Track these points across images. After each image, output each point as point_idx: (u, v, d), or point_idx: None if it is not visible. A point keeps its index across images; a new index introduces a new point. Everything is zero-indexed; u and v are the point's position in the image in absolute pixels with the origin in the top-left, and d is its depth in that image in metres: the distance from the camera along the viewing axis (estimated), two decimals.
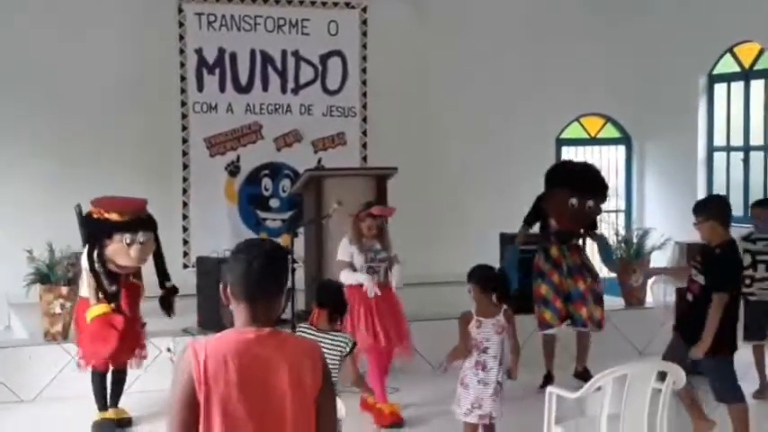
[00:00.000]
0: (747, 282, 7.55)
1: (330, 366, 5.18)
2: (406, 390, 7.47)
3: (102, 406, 6.86)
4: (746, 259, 7.55)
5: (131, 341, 6.86)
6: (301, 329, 5.46)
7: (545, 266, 7.78)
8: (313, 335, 5.33)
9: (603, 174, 8.59)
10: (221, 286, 2.93)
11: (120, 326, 6.64)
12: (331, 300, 5.51)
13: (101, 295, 6.64)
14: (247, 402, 2.76)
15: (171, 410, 2.77)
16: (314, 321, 5.50)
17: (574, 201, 7.59)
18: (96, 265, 6.64)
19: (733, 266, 5.96)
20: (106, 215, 6.66)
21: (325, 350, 5.26)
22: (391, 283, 7.19)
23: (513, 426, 6.10)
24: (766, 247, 7.56)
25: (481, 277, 5.74)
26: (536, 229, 8.15)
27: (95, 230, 6.68)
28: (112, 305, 6.65)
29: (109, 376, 6.93)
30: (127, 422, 6.96)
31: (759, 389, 7.67)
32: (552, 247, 7.75)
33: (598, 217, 8.31)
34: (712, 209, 5.96)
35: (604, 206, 8.41)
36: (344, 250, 7.10)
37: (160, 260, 7.01)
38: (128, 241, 6.62)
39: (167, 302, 7.06)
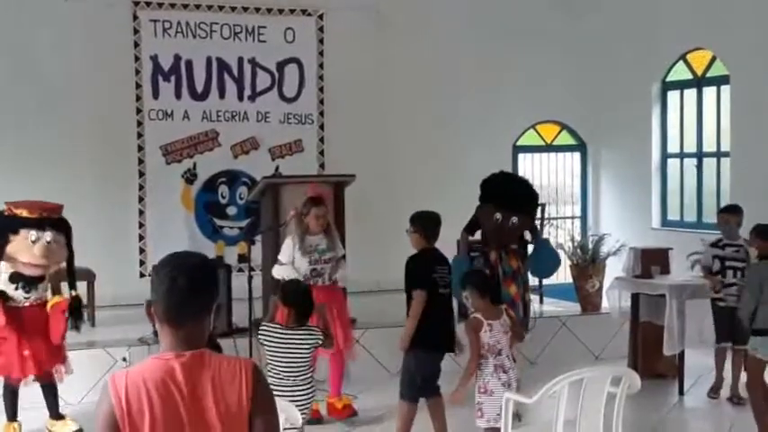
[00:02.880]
0: (718, 287, 7.64)
1: (302, 361, 5.21)
2: (365, 397, 7.46)
3: (11, 417, 6.72)
4: (716, 265, 7.64)
5: (39, 352, 6.59)
6: (266, 329, 5.43)
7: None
8: (280, 333, 5.34)
9: (551, 183, 8.52)
10: (146, 304, 2.70)
11: (26, 345, 6.44)
12: (297, 299, 5.49)
13: None
14: (177, 431, 2.59)
15: None
16: (282, 320, 5.48)
17: (498, 216, 7.60)
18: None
19: (420, 267, 6.26)
20: (15, 211, 6.51)
21: (294, 346, 5.28)
22: (338, 282, 7.18)
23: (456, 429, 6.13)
24: (735, 253, 7.61)
25: (478, 282, 5.89)
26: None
27: (2, 225, 6.48)
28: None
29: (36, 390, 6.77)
30: None
31: (713, 386, 7.78)
32: (492, 252, 7.74)
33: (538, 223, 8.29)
34: (421, 223, 6.37)
35: (561, 213, 8.39)
36: (287, 251, 7.02)
37: (71, 267, 6.75)
38: (33, 238, 6.44)
39: (72, 313, 6.70)
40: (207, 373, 2.64)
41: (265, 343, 5.32)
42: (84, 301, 8.80)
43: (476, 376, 5.72)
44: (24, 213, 6.50)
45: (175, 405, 2.59)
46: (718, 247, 7.68)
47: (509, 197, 7.67)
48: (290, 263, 6.98)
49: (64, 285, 6.85)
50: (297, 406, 5.12)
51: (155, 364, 2.64)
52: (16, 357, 6.50)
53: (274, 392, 5.05)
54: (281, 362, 5.27)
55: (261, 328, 5.50)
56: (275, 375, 5.29)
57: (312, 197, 7.06)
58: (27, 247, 6.45)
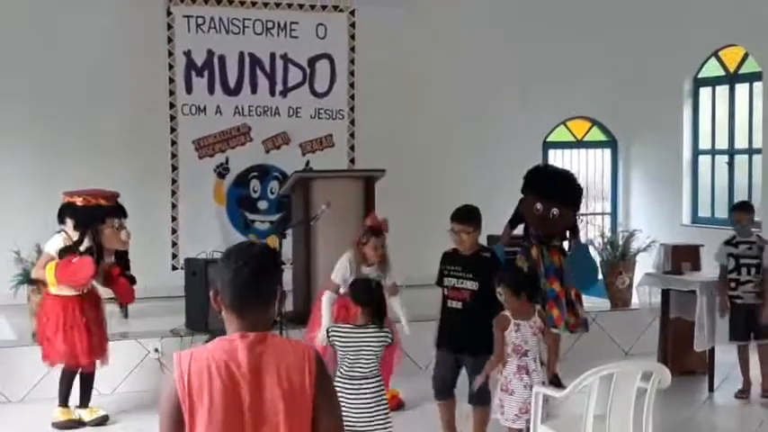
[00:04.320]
0: (732, 285, 7.62)
1: (372, 358, 5.25)
2: (399, 387, 7.49)
3: (65, 402, 6.90)
4: (730, 263, 7.62)
5: (99, 339, 6.89)
6: (336, 329, 5.44)
7: (523, 266, 7.75)
8: (350, 332, 5.34)
9: (582, 179, 8.50)
10: (211, 293, 2.76)
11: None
12: (368, 298, 5.45)
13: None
14: (236, 413, 2.62)
15: (160, 426, 2.64)
16: (351, 319, 5.51)
17: (539, 206, 7.57)
18: (92, 253, 6.69)
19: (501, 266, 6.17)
20: (94, 201, 6.79)
21: (365, 344, 5.27)
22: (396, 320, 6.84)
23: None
24: (749, 251, 7.60)
25: (512, 280, 5.74)
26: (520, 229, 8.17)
27: (88, 215, 6.75)
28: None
29: (77, 379, 6.97)
30: (102, 420, 7.00)
31: (741, 388, 7.75)
32: (533, 247, 7.75)
33: (580, 223, 8.27)
34: (480, 220, 6.06)
35: (591, 210, 8.35)
36: (341, 272, 6.69)
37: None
38: (117, 225, 6.85)
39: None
40: (270, 353, 2.66)
41: (336, 343, 5.33)
42: None
43: (500, 373, 5.69)
44: (103, 202, 6.84)
45: (236, 386, 2.63)
46: (731, 245, 7.67)
47: (549, 187, 7.64)
48: (343, 284, 6.67)
49: None
50: (365, 402, 5.22)
51: (219, 344, 2.68)
52: (85, 345, 6.72)
53: (344, 389, 5.16)
54: (351, 359, 5.26)
55: (330, 329, 5.48)
56: (346, 373, 5.29)
57: (372, 227, 6.82)
58: (116, 235, 6.86)
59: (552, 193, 7.62)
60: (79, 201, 6.80)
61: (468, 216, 6.04)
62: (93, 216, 6.75)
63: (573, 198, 7.83)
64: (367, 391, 5.26)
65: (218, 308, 2.74)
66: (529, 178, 7.84)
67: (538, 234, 7.76)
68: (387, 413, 5.37)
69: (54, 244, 6.75)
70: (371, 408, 5.25)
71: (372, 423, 5.24)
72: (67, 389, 6.91)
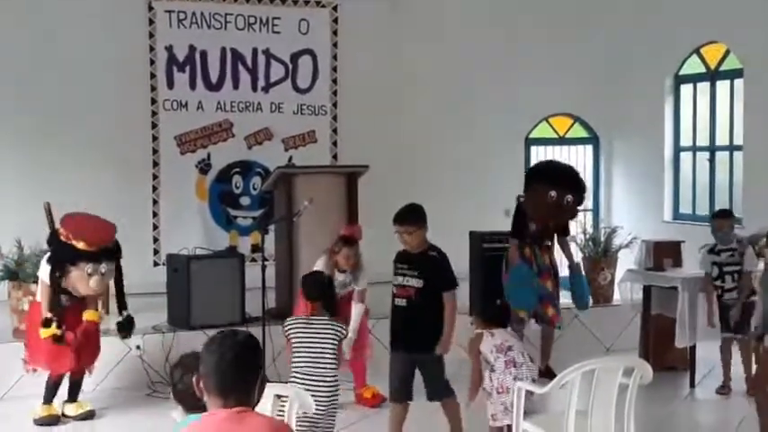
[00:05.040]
0: (718, 292, 7.67)
1: (328, 352, 5.25)
2: (379, 384, 7.49)
3: (49, 400, 6.89)
4: (714, 271, 7.67)
5: (90, 351, 6.94)
6: (291, 321, 5.47)
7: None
8: (305, 323, 5.38)
9: None
10: (195, 378, 2.91)
11: (74, 343, 6.69)
12: (320, 292, 5.53)
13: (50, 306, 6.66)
14: None
15: None
16: (307, 312, 5.54)
17: (553, 193, 7.64)
18: (57, 284, 6.65)
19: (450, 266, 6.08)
20: (73, 241, 6.61)
21: (319, 336, 5.30)
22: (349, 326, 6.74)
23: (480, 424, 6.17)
24: (731, 258, 7.64)
25: (486, 313, 5.85)
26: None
27: (60, 254, 6.64)
28: (63, 329, 6.63)
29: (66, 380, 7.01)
30: (89, 415, 6.98)
31: (722, 384, 7.79)
32: (526, 247, 7.81)
33: (572, 222, 8.38)
34: (424, 218, 5.97)
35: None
36: None
37: (120, 287, 6.99)
38: (89, 271, 6.62)
39: (123, 331, 7.09)
40: (252, 422, 2.80)
41: (291, 335, 5.35)
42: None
43: (489, 378, 5.69)
44: (82, 246, 6.61)
45: None
46: (714, 254, 7.71)
47: (563, 175, 7.75)
48: None
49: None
50: (321, 398, 5.20)
51: (205, 419, 2.85)
52: (67, 355, 6.73)
53: (299, 385, 5.12)
54: (307, 353, 5.28)
55: (286, 322, 5.51)
56: (301, 368, 5.30)
57: (345, 236, 7.01)
58: (84, 280, 6.64)
59: (566, 180, 7.71)
60: (63, 234, 6.66)
61: (407, 217, 5.99)
62: (64, 256, 6.61)
63: (583, 188, 7.95)
64: (322, 393, 5.24)
65: (200, 393, 2.89)
66: (539, 169, 7.92)
67: (534, 235, 7.82)
68: (334, 414, 5.38)
69: (46, 270, 6.71)
70: (326, 407, 5.26)
71: (322, 421, 5.25)
72: (53, 391, 6.90)
